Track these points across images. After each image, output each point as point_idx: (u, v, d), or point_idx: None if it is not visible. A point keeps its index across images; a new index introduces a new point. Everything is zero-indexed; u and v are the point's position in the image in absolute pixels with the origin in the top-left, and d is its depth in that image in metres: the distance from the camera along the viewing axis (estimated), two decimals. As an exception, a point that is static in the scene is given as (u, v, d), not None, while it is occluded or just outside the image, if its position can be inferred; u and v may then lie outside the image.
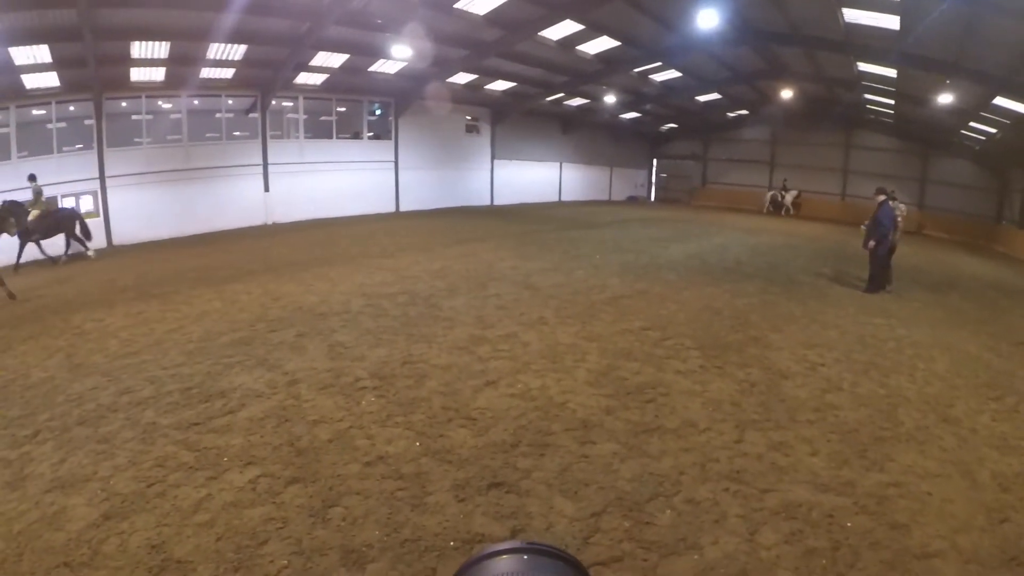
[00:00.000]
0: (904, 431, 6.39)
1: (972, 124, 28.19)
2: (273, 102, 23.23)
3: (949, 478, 5.44)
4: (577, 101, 33.90)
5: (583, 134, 39.58)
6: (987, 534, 4.62)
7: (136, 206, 19.50)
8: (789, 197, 37.40)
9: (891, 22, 17.81)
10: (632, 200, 44.52)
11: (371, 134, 27.61)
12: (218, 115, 22.18)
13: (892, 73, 23.83)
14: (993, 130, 27.92)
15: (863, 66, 24.49)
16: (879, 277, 13.86)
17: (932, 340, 10.27)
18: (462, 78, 26.44)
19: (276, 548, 3.95)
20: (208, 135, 22.22)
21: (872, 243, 13.64)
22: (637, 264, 15.38)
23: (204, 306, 10.01)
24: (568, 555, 0.91)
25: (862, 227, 14.45)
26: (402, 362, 7.27)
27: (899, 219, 14.17)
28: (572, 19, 20.11)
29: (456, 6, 18.14)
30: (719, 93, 34.70)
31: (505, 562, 0.89)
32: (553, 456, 5.22)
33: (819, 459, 5.58)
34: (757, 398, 6.91)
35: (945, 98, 22.92)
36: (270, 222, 22.76)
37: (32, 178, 14.99)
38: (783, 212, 37.44)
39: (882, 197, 13.71)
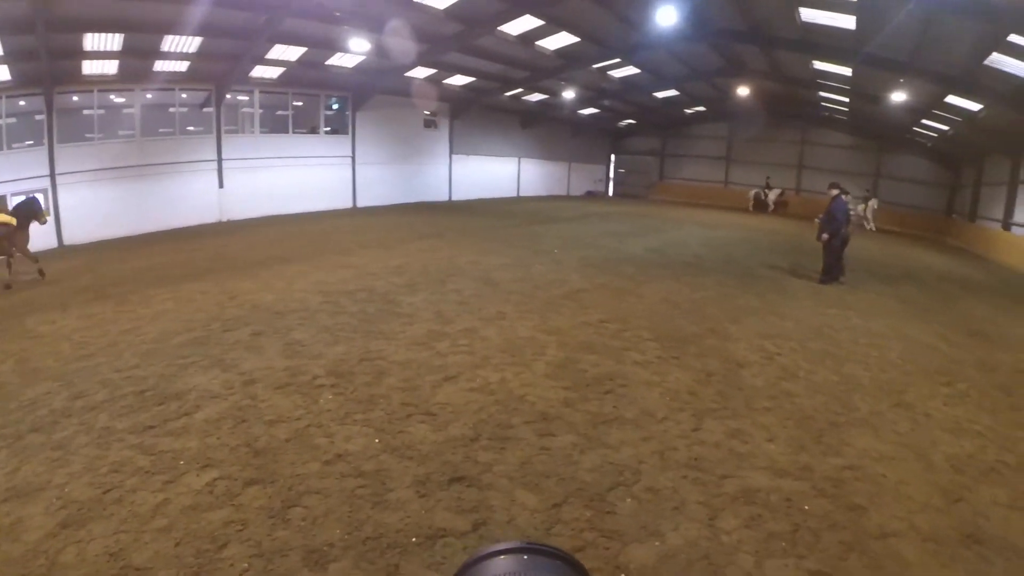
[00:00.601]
0: (859, 416, 6.57)
1: (925, 121, 28.91)
2: (228, 96, 22.78)
3: (904, 461, 5.62)
4: (536, 96, 33.91)
5: (542, 129, 39.64)
6: (943, 514, 4.77)
7: (88, 204, 18.87)
8: (772, 195, 37.06)
9: (847, 22, 18.18)
10: (591, 195, 44.83)
11: (328, 129, 27.17)
12: (172, 109, 21.61)
13: (847, 72, 24.33)
14: (945, 127, 28.68)
15: (819, 64, 24.96)
16: (833, 269, 14.22)
17: (886, 329, 10.58)
18: (421, 72, 26.25)
19: (236, 551, 3.88)
20: (162, 130, 21.60)
21: (825, 236, 13.99)
22: (596, 258, 15.49)
23: (159, 306, 9.78)
24: (568, 555, 0.91)
25: (816, 220, 14.76)
26: (360, 359, 7.21)
27: (852, 213, 14.50)
28: (532, 14, 20.11)
29: (416, 0, 18.05)
30: (677, 90, 35.02)
31: (505, 562, 0.89)
32: (513, 449, 5.24)
33: (776, 445, 5.70)
34: (715, 387, 7.02)
35: (899, 96, 23.45)
36: (225, 219, 22.29)
37: None
38: (767, 210, 37.06)
39: (835, 191, 14.03)
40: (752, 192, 38.62)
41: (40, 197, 16.48)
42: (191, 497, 4.43)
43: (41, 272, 13.01)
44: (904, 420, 6.58)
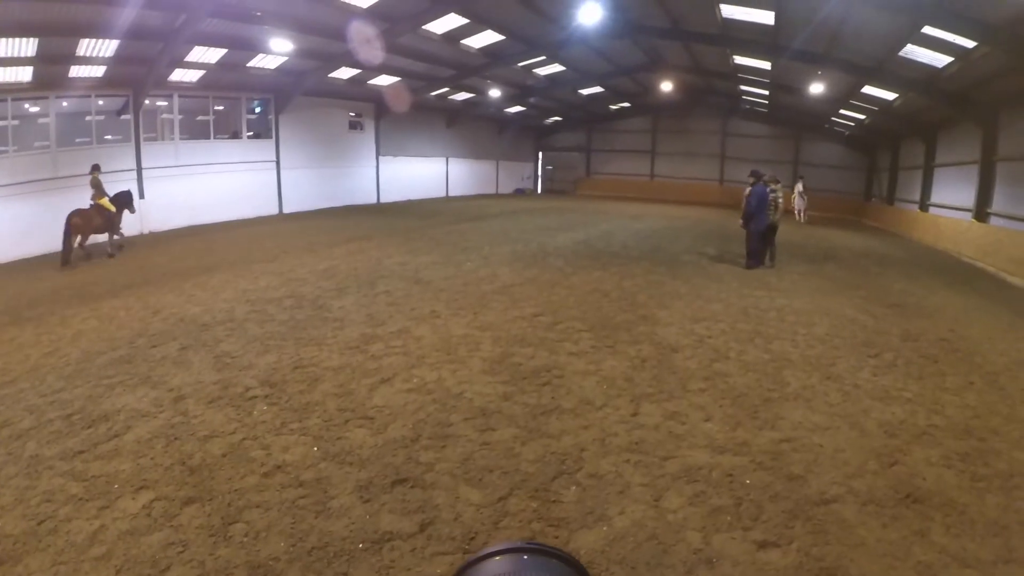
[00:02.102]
0: (791, 391, 6.82)
1: (842, 111, 30.07)
2: (147, 102, 21.77)
3: (838, 430, 5.86)
4: (462, 95, 33.89)
5: (469, 128, 39.61)
6: (880, 476, 5.00)
7: (1, 221, 17.65)
8: (799, 201, 33.42)
9: (766, 17, 18.74)
10: (519, 192, 45.12)
11: (251, 133, 26.38)
12: (88, 118, 20.47)
13: (767, 65, 25.07)
14: (862, 116, 29.92)
15: (739, 59, 25.67)
16: (757, 253, 14.77)
17: (811, 307, 11.02)
18: (345, 73, 25.93)
19: (179, 573, 3.72)
20: (78, 140, 20.51)
21: (743, 221, 14.66)
22: (526, 253, 15.64)
23: (80, 325, 9.29)
24: (568, 555, 0.90)
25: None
26: (292, 367, 7.06)
27: (779, 200, 15.03)
28: (456, 12, 20.09)
29: (339, -2, 17.82)
30: (601, 86, 35.51)
31: (504, 562, 0.88)
32: (454, 447, 5.23)
33: (713, 423, 5.86)
34: (649, 372, 7.17)
35: (817, 87, 24.27)
36: (146, 231, 21.22)
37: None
38: (801, 218, 33.68)
39: (752, 180, 14.60)
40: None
41: None
42: (128, 521, 4.24)
43: (111, 255, 16.53)
44: (835, 392, 6.87)
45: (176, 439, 5.41)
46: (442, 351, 7.66)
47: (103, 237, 17.17)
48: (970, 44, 15.70)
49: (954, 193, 24.41)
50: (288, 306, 9.94)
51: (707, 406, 6.27)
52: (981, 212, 21.31)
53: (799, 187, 31.63)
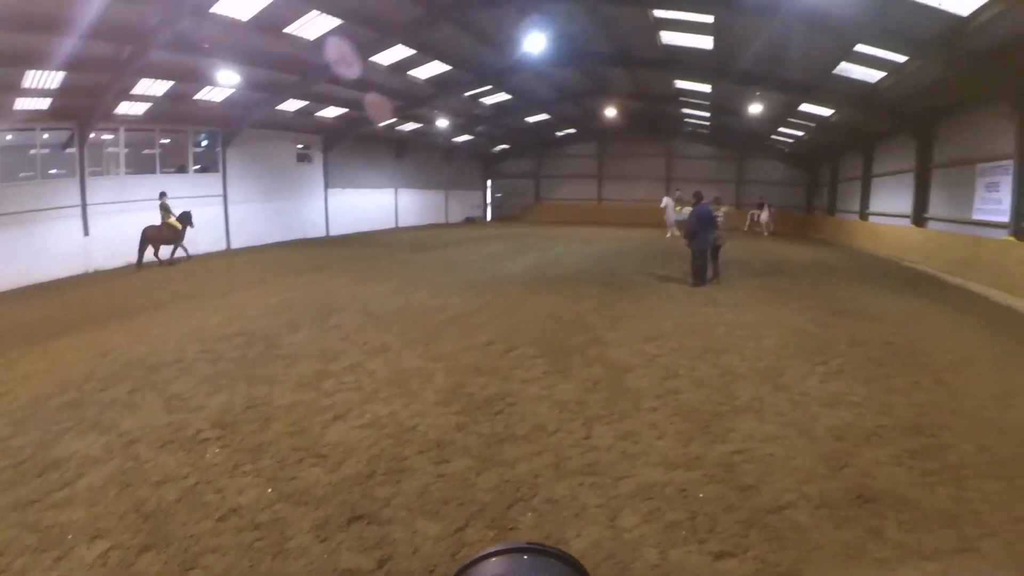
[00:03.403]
0: (741, 403, 6.97)
1: (782, 129, 30.98)
2: (92, 135, 21.28)
3: (788, 438, 5.99)
4: (410, 125, 33.97)
5: (417, 158, 39.66)
6: (831, 480, 5.14)
7: None
8: (765, 214, 35.01)
9: (705, 42, 19.31)
10: (470, 221, 45.26)
11: (197, 167, 25.93)
12: (32, 151, 19.93)
13: (707, 88, 25.76)
14: (801, 133, 30.89)
15: (681, 83, 26.29)
16: (702, 271, 15.08)
17: (759, 320, 11.31)
18: (292, 105, 25.82)
19: None
20: (22, 175, 19.88)
21: (686, 240, 15.19)
22: (478, 281, 15.68)
23: (28, 368, 8.99)
24: (568, 555, 0.92)
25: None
26: (244, 407, 6.95)
27: (718, 218, 15.43)
28: (403, 44, 20.26)
29: (286, 30, 17.71)
30: (548, 113, 36.03)
31: (504, 563, 0.89)
32: (410, 480, 5.20)
33: (666, 441, 5.94)
34: (602, 394, 7.24)
35: (756, 108, 24.97)
36: (92, 269, 20.66)
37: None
38: (766, 232, 34.48)
39: (694, 200, 15.16)
40: (749, 213, 36.53)
41: None
42: (84, 572, 4.11)
43: (171, 262, 21.40)
44: (784, 401, 7.05)
45: (129, 485, 5.28)
46: (395, 384, 7.62)
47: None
48: (902, 59, 16.46)
49: (893, 201, 25.44)
50: (239, 344, 9.78)
51: (659, 424, 6.36)
52: (919, 217, 22.33)
53: (764, 210, 34.05)
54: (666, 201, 32.11)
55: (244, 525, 4.63)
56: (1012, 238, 15.56)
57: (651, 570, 4.00)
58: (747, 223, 35.36)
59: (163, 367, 8.71)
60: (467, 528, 4.50)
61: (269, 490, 5.13)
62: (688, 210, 29.94)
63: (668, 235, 30.81)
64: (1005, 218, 16.14)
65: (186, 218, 21.95)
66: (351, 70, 20.09)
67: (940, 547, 4.20)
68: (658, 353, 9.02)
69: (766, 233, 33.69)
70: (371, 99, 24.22)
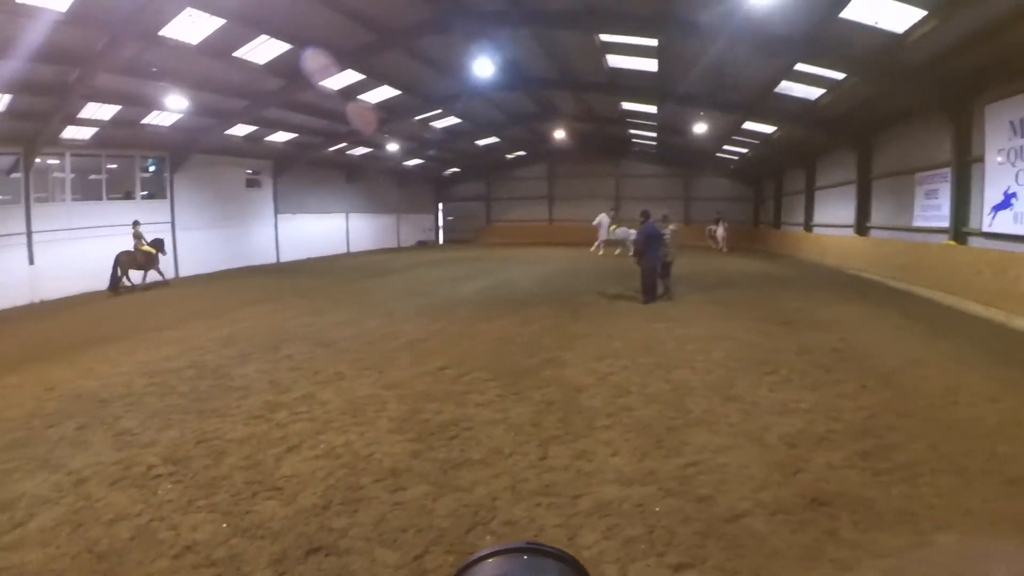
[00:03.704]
0: (693, 417, 7.08)
1: (726, 146, 31.77)
2: (38, 160, 20.72)
3: (741, 448, 6.12)
4: (361, 150, 33.93)
5: (368, 183, 39.55)
6: (785, 486, 5.26)
7: None
8: (721, 230, 35.42)
9: (650, 65, 19.75)
10: (422, 245, 45.30)
11: (145, 193, 25.41)
12: None
13: (653, 109, 26.29)
14: (745, 150, 31.72)
15: (627, 104, 26.78)
16: (652, 288, 15.31)
17: (709, 334, 11.54)
18: (242, 130, 25.59)
19: None
20: None
21: (635, 258, 15.42)
22: (430, 306, 15.63)
23: None
24: (568, 555, 0.92)
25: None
26: (196, 441, 6.80)
27: (666, 236, 15.69)
28: (353, 69, 20.27)
29: (235, 54, 17.60)
30: (497, 136, 36.34)
31: (504, 563, 0.90)
32: (367, 510, 5.16)
33: (621, 457, 6.00)
34: (556, 415, 7.28)
35: (701, 127, 25.57)
36: (37, 300, 19.98)
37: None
38: (724, 248, 34.79)
39: (642, 219, 15.40)
40: (707, 229, 36.74)
41: None
42: None
43: (145, 287, 22.40)
44: (735, 412, 7.19)
45: (81, 525, 5.12)
46: (349, 414, 7.56)
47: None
48: (840, 76, 17.05)
49: (836, 212, 26.30)
50: (189, 376, 9.58)
51: (613, 441, 6.43)
52: (862, 227, 23.15)
53: (720, 226, 34.94)
54: (600, 218, 32.97)
55: (200, 562, 4.54)
56: (952, 242, 16.22)
57: (612, 586, 4.02)
58: (707, 238, 35.93)
59: (112, 402, 8.49)
60: (426, 555, 4.49)
61: (224, 525, 5.04)
62: (622, 229, 31.40)
63: (595, 249, 32.05)
64: (945, 223, 16.80)
65: (158, 244, 22.89)
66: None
67: (895, 544, 4.34)
68: (610, 371, 9.13)
69: (724, 249, 34.26)
70: (354, 108, 23.97)
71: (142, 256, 22.22)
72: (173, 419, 7.65)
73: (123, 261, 21.62)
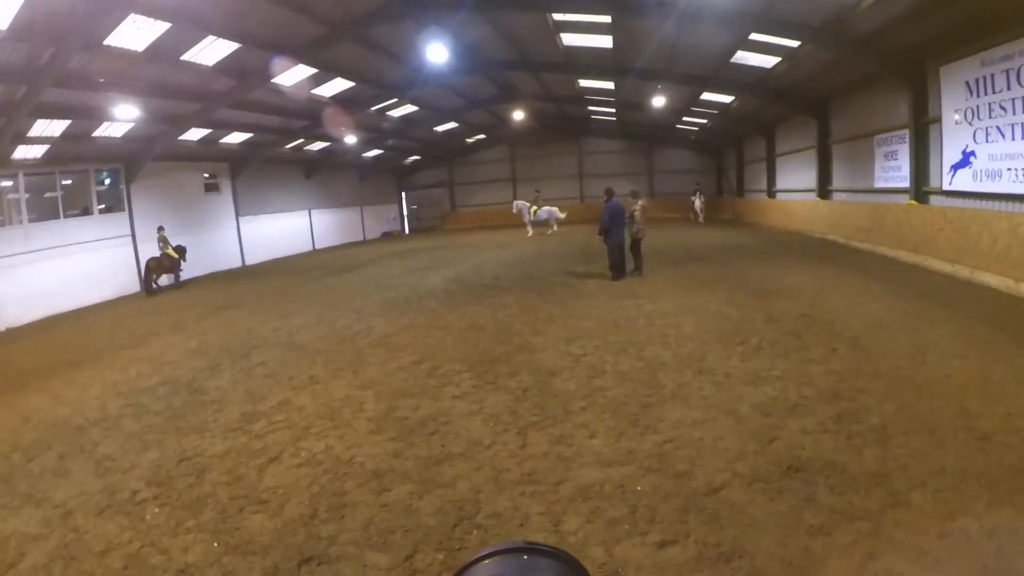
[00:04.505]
0: (667, 392, 7.21)
1: (686, 118, 32.02)
2: None
3: (715, 420, 6.26)
4: (318, 145, 33.58)
5: (328, 177, 39.12)
6: (761, 456, 5.39)
7: None
8: (699, 202, 35.45)
9: (605, 42, 19.77)
10: (387, 236, 45.06)
11: (102, 206, 24.65)
12: None
13: (611, 85, 26.36)
14: (704, 120, 32.04)
15: (584, 82, 26.84)
16: (620, 265, 15.44)
17: (678, 308, 11.70)
18: (195, 134, 25.10)
19: None
20: None
21: (601, 236, 15.45)
22: (399, 299, 15.61)
23: None
24: (568, 555, 0.92)
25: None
26: (177, 461, 6.75)
27: (636, 212, 15.75)
28: (304, 63, 19.98)
29: (183, 58, 17.25)
30: (456, 121, 36.18)
31: (504, 563, 0.90)
32: (353, 514, 5.19)
33: (599, 439, 6.10)
34: (531, 401, 7.36)
35: (659, 100, 25.75)
36: (2, 329, 19.25)
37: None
38: (700, 218, 35.23)
39: (605, 197, 15.41)
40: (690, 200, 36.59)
41: None
42: None
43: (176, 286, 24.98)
44: (708, 385, 7.33)
45: (74, 559, 5.07)
46: (326, 418, 7.55)
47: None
48: (795, 44, 17.28)
49: (798, 178, 26.71)
50: (162, 394, 9.47)
51: (590, 423, 6.52)
52: (824, 190, 23.56)
53: (698, 197, 35.02)
54: (518, 205, 33.81)
55: (195, 585, 4.54)
56: (913, 202, 16.57)
57: (599, 569, 4.11)
58: (687, 210, 36.35)
59: (88, 427, 8.37)
60: (416, 555, 4.54)
61: (215, 544, 5.03)
62: (544, 210, 32.45)
63: (529, 233, 32.50)
64: (905, 184, 17.15)
65: (181, 250, 25.23)
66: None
67: (871, 506, 4.49)
68: (583, 352, 9.23)
69: (701, 220, 34.61)
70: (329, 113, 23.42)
71: (167, 260, 24.60)
72: (151, 440, 7.57)
73: (152, 267, 23.97)
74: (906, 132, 16.91)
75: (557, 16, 18.49)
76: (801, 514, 4.45)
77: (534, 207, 33.00)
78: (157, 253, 24.49)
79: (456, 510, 5.08)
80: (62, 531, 5.59)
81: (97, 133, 21.34)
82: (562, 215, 32.97)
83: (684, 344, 9.23)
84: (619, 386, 7.58)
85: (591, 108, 34.32)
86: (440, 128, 37.34)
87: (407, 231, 48.46)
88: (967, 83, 13.89)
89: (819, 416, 6.12)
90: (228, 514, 5.49)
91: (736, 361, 8.18)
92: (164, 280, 24.75)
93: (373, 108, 28.40)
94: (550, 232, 32.16)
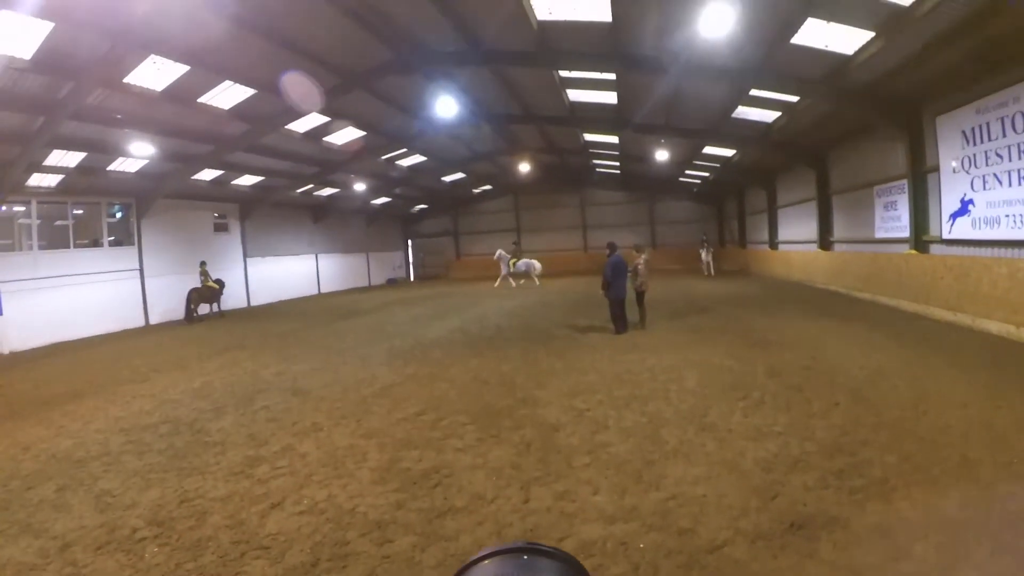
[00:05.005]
0: (670, 448, 7.17)
1: (688, 171, 32.46)
2: (3, 208, 20.68)
3: (718, 477, 6.23)
4: (327, 190, 34.06)
5: (336, 222, 39.70)
6: (764, 512, 5.37)
7: None
8: (706, 254, 34.41)
9: (609, 98, 20.24)
10: (392, 282, 45.40)
11: (112, 239, 25.17)
12: None
13: (614, 139, 26.82)
14: (707, 173, 32.48)
15: (589, 136, 27.32)
16: (621, 318, 15.44)
17: (680, 361, 11.70)
18: (208, 174, 25.59)
19: None
20: None
21: (603, 290, 15.46)
22: (403, 348, 15.58)
23: None
24: (567, 555, 0.93)
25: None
26: (179, 501, 6.74)
27: (639, 266, 15.84)
28: (317, 111, 20.43)
29: (200, 100, 17.74)
30: (463, 171, 36.83)
31: (504, 563, 0.91)
32: (355, 565, 5.17)
33: (602, 496, 6.06)
34: (535, 456, 7.33)
35: (662, 154, 26.15)
36: (6, 352, 19.64)
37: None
38: (710, 271, 34.05)
39: (608, 251, 15.53)
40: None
41: None
42: None
43: (220, 314, 28.00)
44: (711, 441, 7.30)
45: None
46: (329, 466, 7.54)
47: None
48: (794, 99, 17.61)
49: (799, 228, 27.00)
50: (165, 432, 9.48)
51: (593, 479, 6.49)
52: (825, 241, 23.81)
53: (705, 249, 34.22)
54: (499, 253, 34.11)
55: (194, 629, 4.53)
56: (913, 251, 16.77)
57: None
58: (701, 263, 34.85)
59: (89, 461, 8.38)
60: (417, 608, 4.47)
61: (215, 588, 5.02)
62: (523, 261, 33.19)
63: (497, 283, 33.52)
64: (905, 233, 17.41)
65: (221, 283, 28.09)
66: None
67: (873, 561, 4.49)
68: (586, 407, 9.21)
69: (711, 272, 33.74)
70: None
71: (207, 291, 27.19)
72: (153, 478, 7.58)
73: (194, 297, 26.43)
74: (905, 182, 17.22)
75: (564, 73, 18.89)
76: (804, 570, 4.45)
77: (513, 259, 33.73)
78: (199, 284, 27.12)
79: (458, 563, 4.97)
80: (59, 563, 5.58)
81: (111, 167, 21.84)
82: (538, 268, 33.64)
83: (687, 399, 9.23)
84: (622, 442, 7.56)
85: (595, 161, 34.81)
86: (447, 178, 37.89)
87: (412, 278, 48.64)
88: (963, 132, 14.20)
89: (821, 471, 6.13)
90: (229, 558, 5.47)
91: (738, 416, 8.18)
92: (203, 308, 27.19)
93: (382, 157, 28.86)
94: (522, 282, 33.19)
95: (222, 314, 27.87)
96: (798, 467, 6.31)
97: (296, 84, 17.21)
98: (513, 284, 33.01)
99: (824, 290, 21.79)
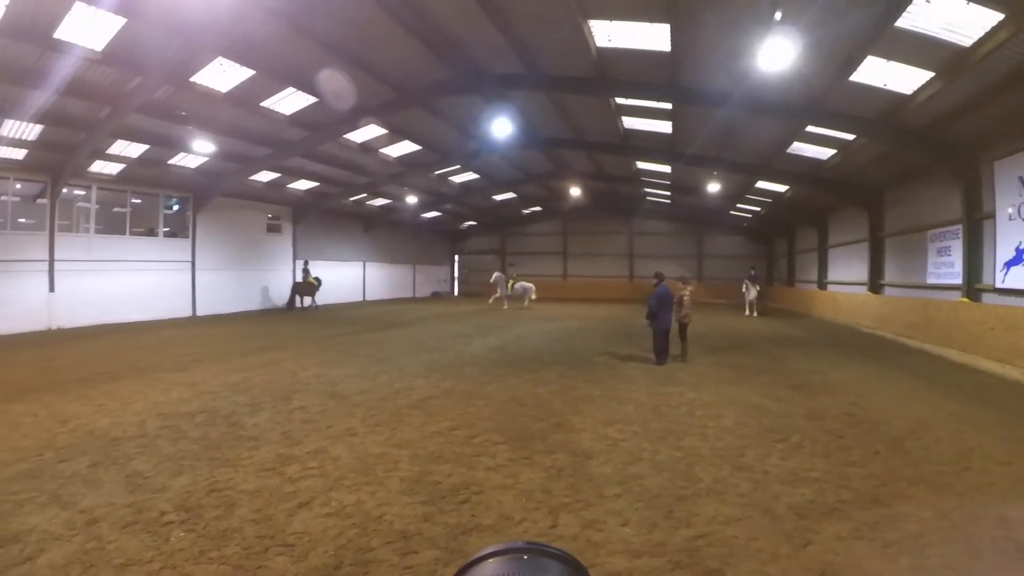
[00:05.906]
0: (703, 486, 7.00)
1: (739, 205, 32.17)
2: (64, 190, 21.48)
3: (751, 519, 6.05)
4: (379, 201, 34.57)
5: (385, 233, 40.36)
6: (794, 559, 5.21)
7: None
8: (752, 292, 31.21)
9: (665, 127, 20.23)
10: (436, 295, 45.82)
11: (167, 230, 26.03)
12: (3, 197, 20.00)
13: (667, 169, 26.75)
14: (758, 208, 32.09)
15: (641, 164, 27.28)
16: (663, 350, 15.25)
17: (718, 398, 11.47)
18: (264, 176, 26.26)
19: None
20: None
21: (648, 320, 15.27)
22: (442, 362, 15.62)
23: None
24: (568, 555, 0.93)
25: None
26: (208, 490, 6.82)
27: (684, 297, 15.69)
28: (375, 123, 20.89)
29: (262, 104, 18.25)
30: (513, 192, 36.97)
31: (504, 563, 0.90)
32: (377, 572, 5.13)
33: (630, 528, 5.94)
34: (565, 481, 7.22)
35: (714, 186, 26.05)
36: (54, 327, 20.41)
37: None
38: (754, 311, 31.14)
39: (655, 281, 15.38)
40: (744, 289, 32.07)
41: None
42: None
43: (316, 308, 32.68)
44: (745, 481, 7.11)
45: (92, 566, 5.12)
46: (360, 472, 7.55)
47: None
48: (849, 137, 17.40)
49: (849, 270, 26.55)
50: (201, 422, 9.65)
51: (623, 511, 6.37)
52: (875, 284, 23.34)
53: (750, 286, 30.86)
54: (496, 276, 34.74)
55: (211, 616, 4.55)
56: (965, 299, 16.32)
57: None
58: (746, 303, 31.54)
59: (124, 441, 8.56)
60: (435, 622, 4.43)
61: (235, 578, 5.04)
62: (520, 284, 33.97)
63: (490, 301, 34.75)
64: (957, 280, 17.01)
65: (318, 280, 32.53)
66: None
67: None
68: (621, 437, 9.08)
69: (753, 313, 30.73)
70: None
71: (306, 286, 31.99)
72: (185, 465, 7.69)
73: (297, 289, 31.82)
74: (959, 227, 16.84)
75: (620, 100, 18.93)
76: (831, 623, 4.31)
77: (511, 281, 34.51)
78: (300, 279, 32.22)
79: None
80: (84, 537, 5.66)
81: (172, 161, 22.64)
82: (533, 293, 34.54)
83: (723, 437, 9.05)
84: (655, 475, 7.42)
85: (646, 189, 34.72)
86: (497, 197, 38.14)
87: (456, 293, 48.84)
88: (1021, 178, 13.87)
89: (856, 521, 5.93)
90: (253, 551, 5.49)
91: (775, 459, 7.97)
92: (299, 301, 31.72)
93: (435, 172, 29.20)
94: (507, 305, 34.03)
95: (317, 308, 32.01)
96: (833, 515, 6.11)
97: (332, 80, 17.42)
98: (505, 306, 33.73)
99: (871, 334, 21.29)
